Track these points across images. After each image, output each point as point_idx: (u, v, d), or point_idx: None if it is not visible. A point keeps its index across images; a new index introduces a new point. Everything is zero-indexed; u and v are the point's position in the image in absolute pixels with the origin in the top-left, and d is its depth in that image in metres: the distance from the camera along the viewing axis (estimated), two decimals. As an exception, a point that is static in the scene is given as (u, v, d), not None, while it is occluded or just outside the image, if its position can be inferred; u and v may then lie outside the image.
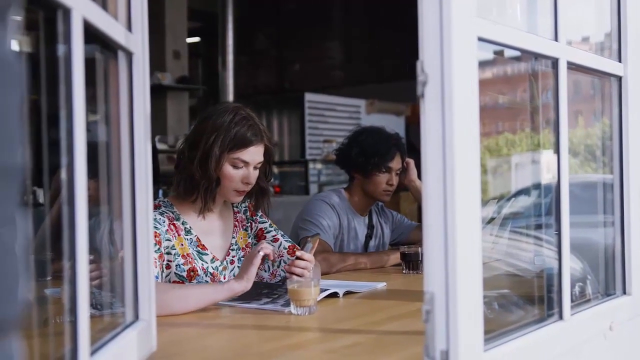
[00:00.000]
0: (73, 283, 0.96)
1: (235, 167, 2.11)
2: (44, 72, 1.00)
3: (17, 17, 0.57)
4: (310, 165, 7.18)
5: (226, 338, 1.63)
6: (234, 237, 2.26)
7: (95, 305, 1.25)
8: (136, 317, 1.32)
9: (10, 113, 0.52)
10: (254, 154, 2.12)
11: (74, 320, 0.97)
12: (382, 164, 2.87)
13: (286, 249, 2.26)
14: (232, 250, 2.25)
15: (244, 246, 2.28)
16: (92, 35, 1.08)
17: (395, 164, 2.90)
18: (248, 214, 2.33)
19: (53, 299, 1.50)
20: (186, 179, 2.12)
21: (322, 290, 1.96)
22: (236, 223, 2.29)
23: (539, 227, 1.91)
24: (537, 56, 1.49)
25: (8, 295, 0.54)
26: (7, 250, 0.53)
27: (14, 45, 0.56)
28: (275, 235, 2.31)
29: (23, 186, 0.55)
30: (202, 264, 2.13)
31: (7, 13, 0.54)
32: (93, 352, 1.05)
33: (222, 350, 1.52)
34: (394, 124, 6.43)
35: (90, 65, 1.05)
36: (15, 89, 0.53)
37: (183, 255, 2.09)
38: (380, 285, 2.25)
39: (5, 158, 0.52)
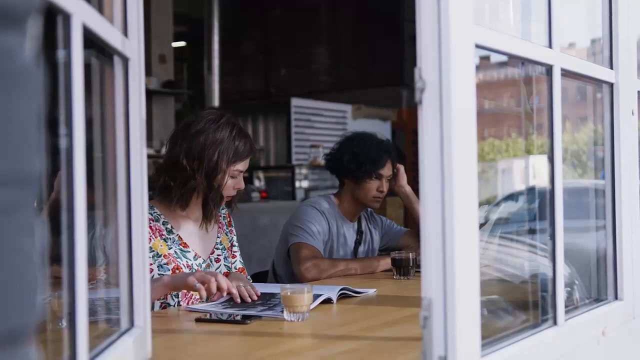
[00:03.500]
0: (72, 290, 0.95)
1: (232, 177, 2.22)
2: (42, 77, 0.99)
3: (35, 25, 0.56)
4: (297, 171, 7.16)
5: (221, 345, 1.62)
6: (218, 237, 2.34)
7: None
8: (131, 324, 1.31)
9: (30, 121, 0.52)
10: (247, 162, 2.26)
11: (71, 327, 0.96)
12: (374, 170, 2.87)
13: (236, 269, 2.36)
14: (217, 249, 2.33)
15: (228, 247, 2.37)
16: (89, 40, 1.07)
17: (387, 171, 2.90)
18: (226, 220, 2.43)
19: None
20: (189, 192, 2.18)
21: (316, 297, 1.95)
22: (220, 225, 2.37)
23: (528, 232, 1.92)
24: (532, 63, 1.50)
25: (28, 303, 0.53)
26: (27, 258, 0.53)
27: (32, 53, 0.55)
28: (237, 252, 2.42)
29: (39, 194, 0.55)
30: (187, 262, 2.19)
31: (26, 22, 0.54)
32: (90, 360, 1.04)
33: (217, 357, 1.51)
34: (380, 129, 6.44)
35: (85, 70, 1.05)
36: (35, 97, 0.53)
37: (165, 255, 2.14)
38: (371, 291, 2.25)
39: (25, 166, 0.51)
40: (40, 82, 0.55)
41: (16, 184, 0.52)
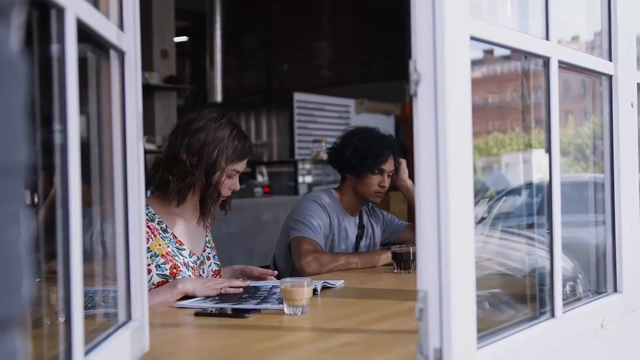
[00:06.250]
0: (67, 284, 0.96)
1: (229, 177, 2.23)
2: (35, 71, 0.99)
3: (20, 17, 0.57)
4: (300, 166, 7.15)
5: (219, 338, 1.62)
6: (207, 236, 2.38)
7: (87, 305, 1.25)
8: (129, 317, 1.31)
9: (14, 112, 0.52)
10: (245, 164, 2.28)
11: (67, 320, 0.97)
12: (376, 165, 2.86)
13: (212, 272, 2.35)
14: (207, 247, 2.36)
15: (213, 246, 2.41)
16: (84, 34, 1.07)
17: (388, 166, 2.90)
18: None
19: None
20: (187, 187, 2.19)
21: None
22: (208, 225, 2.40)
23: (529, 226, 1.91)
24: (528, 55, 1.49)
25: (13, 292, 0.54)
26: (13, 248, 0.53)
27: (17, 45, 0.56)
28: (214, 254, 2.41)
29: (26, 185, 0.56)
30: (183, 259, 2.21)
31: (10, 13, 0.54)
32: (86, 353, 1.04)
33: (215, 350, 1.51)
34: (383, 124, 6.43)
35: (81, 64, 1.05)
36: (19, 88, 0.53)
37: (162, 255, 2.15)
38: (339, 283, 2.27)
39: (10, 157, 0.52)
40: (25, 73, 0.56)
41: (1, 174, 0.52)
